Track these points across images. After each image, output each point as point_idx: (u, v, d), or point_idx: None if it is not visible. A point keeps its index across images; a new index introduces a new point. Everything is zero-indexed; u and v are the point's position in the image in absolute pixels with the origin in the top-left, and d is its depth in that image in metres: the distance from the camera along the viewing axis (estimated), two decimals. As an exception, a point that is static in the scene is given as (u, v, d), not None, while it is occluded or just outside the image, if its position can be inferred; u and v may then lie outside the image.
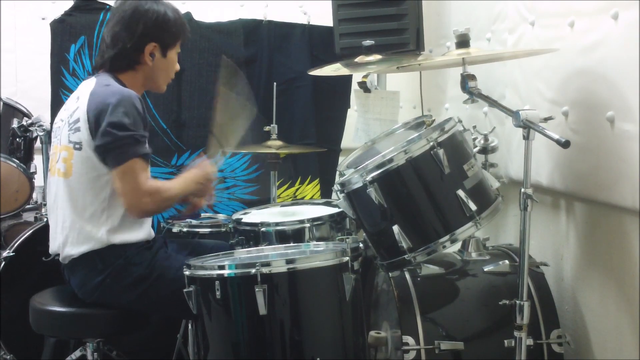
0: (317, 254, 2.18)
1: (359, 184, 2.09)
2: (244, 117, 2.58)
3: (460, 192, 2.03)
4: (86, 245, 2.20)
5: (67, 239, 2.22)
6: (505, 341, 2.05)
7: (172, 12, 2.34)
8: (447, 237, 2.05)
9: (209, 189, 2.39)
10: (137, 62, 2.31)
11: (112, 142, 2.13)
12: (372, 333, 2.35)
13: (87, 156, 2.18)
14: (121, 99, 2.16)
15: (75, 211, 2.20)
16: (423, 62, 2.58)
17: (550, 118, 2.03)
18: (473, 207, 2.02)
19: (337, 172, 2.57)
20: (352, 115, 3.38)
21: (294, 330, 2.02)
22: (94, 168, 2.18)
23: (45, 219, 2.88)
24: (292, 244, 2.37)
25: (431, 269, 2.29)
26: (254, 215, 2.65)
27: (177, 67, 2.43)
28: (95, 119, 2.15)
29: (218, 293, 2.00)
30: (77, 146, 2.19)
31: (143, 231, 2.28)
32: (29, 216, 3.18)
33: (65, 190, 2.22)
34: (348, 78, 3.36)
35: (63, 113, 2.32)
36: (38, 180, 3.14)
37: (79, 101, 2.24)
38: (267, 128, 2.96)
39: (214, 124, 2.61)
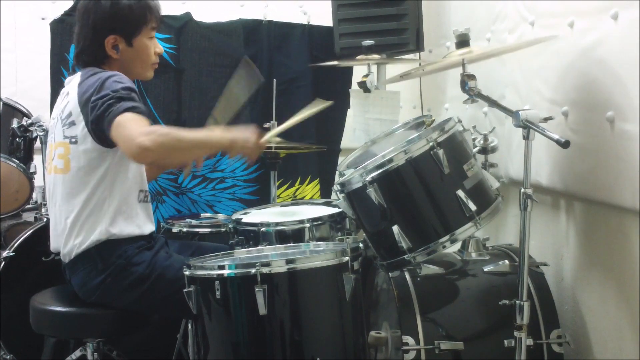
0: (317, 254, 2.18)
1: (359, 184, 2.09)
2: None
3: (460, 192, 2.03)
4: (89, 237, 2.19)
5: (71, 233, 2.22)
6: (505, 341, 2.05)
7: None
8: (447, 237, 2.05)
9: (250, 152, 2.20)
10: (103, 57, 2.26)
11: (96, 109, 2.06)
12: (372, 333, 2.35)
13: (84, 149, 2.17)
14: (107, 77, 2.12)
15: (77, 206, 2.20)
16: (426, 67, 2.56)
17: (550, 118, 2.03)
18: (473, 207, 2.02)
19: (337, 172, 2.57)
20: (352, 115, 3.37)
21: (294, 330, 2.02)
22: (92, 160, 2.17)
23: (45, 219, 2.88)
24: (292, 244, 2.37)
25: (431, 269, 2.29)
26: (254, 215, 2.65)
27: (159, 49, 2.34)
28: (85, 103, 2.13)
29: (218, 293, 1.99)
30: (72, 140, 2.18)
31: (141, 221, 2.27)
32: (29, 216, 3.18)
33: (65, 186, 2.22)
34: (348, 78, 3.36)
35: (55, 111, 2.32)
36: (38, 180, 3.14)
37: (68, 96, 2.23)
38: (267, 125, 2.96)
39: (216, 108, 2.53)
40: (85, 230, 2.20)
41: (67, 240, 2.23)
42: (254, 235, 2.45)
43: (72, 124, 2.19)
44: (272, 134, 2.45)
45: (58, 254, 2.31)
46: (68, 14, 3.16)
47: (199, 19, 3.28)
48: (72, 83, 2.26)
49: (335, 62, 2.59)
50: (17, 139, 3.10)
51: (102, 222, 2.19)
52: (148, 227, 2.31)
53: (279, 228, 2.43)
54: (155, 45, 2.34)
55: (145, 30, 2.28)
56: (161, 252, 2.30)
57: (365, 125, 3.16)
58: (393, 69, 3.07)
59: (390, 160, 2.04)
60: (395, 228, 2.06)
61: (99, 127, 2.09)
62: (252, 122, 3.19)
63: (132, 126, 2.00)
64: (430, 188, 2.06)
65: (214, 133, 2.19)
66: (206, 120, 3.26)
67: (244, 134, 2.18)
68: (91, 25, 2.24)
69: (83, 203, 2.19)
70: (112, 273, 2.20)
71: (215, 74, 3.29)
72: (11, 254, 2.77)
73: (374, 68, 2.88)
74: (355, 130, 3.17)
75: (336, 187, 2.21)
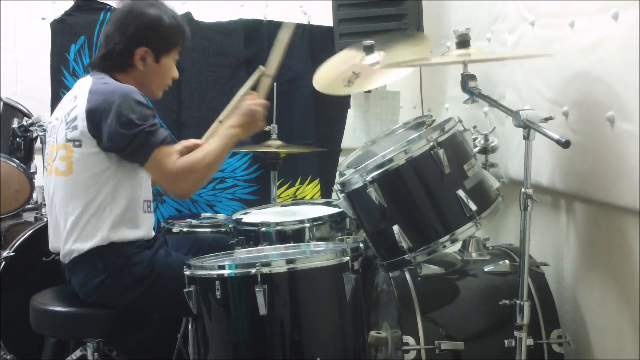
0: (317, 254, 2.18)
1: (359, 184, 2.09)
2: None
3: (461, 192, 2.03)
4: (89, 242, 2.19)
5: (70, 236, 2.22)
6: (506, 341, 2.05)
7: (169, 17, 2.30)
8: (447, 237, 2.05)
9: (258, 124, 2.37)
10: (127, 65, 2.29)
11: (128, 143, 2.13)
12: (372, 333, 2.35)
13: (88, 152, 2.18)
14: (122, 95, 2.15)
15: (78, 209, 2.20)
16: (426, 60, 2.57)
17: (550, 118, 2.03)
18: (473, 207, 2.02)
19: (337, 172, 2.57)
20: (353, 116, 3.37)
21: (294, 330, 2.02)
22: (95, 164, 2.18)
23: (45, 219, 2.88)
24: (292, 244, 2.37)
25: (431, 269, 2.29)
26: (254, 215, 2.65)
27: (175, 74, 2.40)
28: (99, 117, 2.14)
29: (218, 293, 2.00)
30: (76, 143, 2.19)
31: (143, 228, 2.27)
32: (29, 216, 3.18)
33: (66, 188, 2.22)
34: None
35: (59, 112, 2.32)
36: (38, 180, 3.14)
37: (76, 100, 2.23)
38: (267, 128, 2.96)
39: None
40: (85, 235, 2.20)
41: (66, 242, 2.23)
42: (254, 235, 2.45)
43: (76, 127, 2.19)
44: (266, 86, 2.52)
45: (58, 253, 2.31)
46: (68, 14, 3.16)
47: (199, 19, 3.28)
48: (82, 87, 2.25)
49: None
50: (18, 139, 3.10)
51: (103, 228, 2.19)
52: (149, 234, 2.32)
53: (279, 228, 2.43)
54: (174, 70, 2.39)
55: (174, 52, 2.36)
56: (160, 250, 2.30)
57: (365, 126, 3.16)
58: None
59: (391, 160, 2.04)
60: (395, 228, 2.06)
61: (132, 159, 2.18)
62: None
63: (165, 166, 2.16)
64: (431, 188, 2.06)
65: (226, 134, 2.29)
66: (205, 120, 3.27)
67: (246, 111, 2.32)
68: (129, 33, 2.26)
69: (84, 207, 2.19)
70: (111, 273, 2.20)
71: (215, 74, 3.29)
72: (11, 254, 2.77)
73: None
74: (356, 130, 3.17)
75: (336, 187, 2.22)
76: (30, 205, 3.21)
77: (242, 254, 2.31)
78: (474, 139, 2.45)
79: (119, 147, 2.15)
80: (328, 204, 2.76)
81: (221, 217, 3.11)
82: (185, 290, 2.05)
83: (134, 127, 2.12)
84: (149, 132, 2.14)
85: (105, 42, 2.30)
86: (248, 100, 2.39)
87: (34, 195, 3.16)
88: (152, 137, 2.15)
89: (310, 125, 3.38)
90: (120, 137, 2.12)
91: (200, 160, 2.20)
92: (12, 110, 3.18)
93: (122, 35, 2.27)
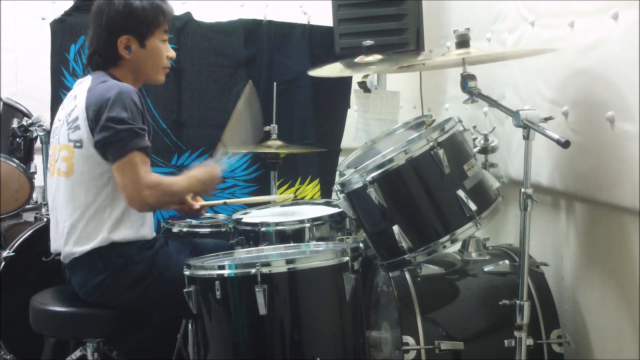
0: (317, 254, 2.18)
1: (359, 184, 2.09)
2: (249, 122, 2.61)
3: (460, 192, 2.03)
4: (89, 243, 2.19)
5: (70, 238, 2.22)
6: (505, 341, 2.05)
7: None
8: (447, 237, 2.05)
9: (212, 189, 2.39)
10: (116, 58, 2.29)
11: (111, 136, 2.12)
12: (373, 333, 2.35)
13: (88, 154, 2.18)
14: (119, 92, 2.15)
15: (77, 210, 2.20)
16: (426, 61, 2.57)
17: (550, 118, 2.03)
18: (473, 207, 2.02)
19: (337, 172, 2.57)
20: (352, 115, 3.38)
21: (294, 330, 2.02)
22: (96, 165, 2.18)
23: (45, 219, 2.88)
24: (292, 244, 2.37)
25: (431, 269, 2.29)
26: (254, 215, 2.65)
27: (171, 54, 2.38)
28: (95, 115, 2.15)
29: (218, 293, 2.00)
30: (77, 144, 2.19)
31: (144, 229, 2.28)
32: (29, 216, 3.18)
33: (67, 189, 2.22)
34: (348, 78, 3.36)
35: (61, 113, 2.32)
36: (38, 180, 3.14)
37: (76, 100, 2.24)
38: (267, 128, 2.96)
39: (224, 133, 2.64)
40: (85, 236, 2.20)
41: (66, 243, 2.24)
42: (254, 235, 2.45)
43: (77, 128, 2.19)
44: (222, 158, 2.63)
45: (58, 254, 2.31)
46: (68, 14, 3.16)
47: (199, 19, 3.28)
48: (82, 86, 2.26)
49: (336, 73, 2.60)
50: (17, 139, 3.10)
51: (104, 229, 2.19)
52: (150, 234, 2.32)
53: (279, 228, 2.43)
54: (167, 49, 2.37)
55: (158, 32, 2.31)
56: (161, 250, 2.30)
57: (365, 125, 3.16)
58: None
59: (391, 160, 2.04)
60: (395, 228, 2.06)
61: (103, 150, 2.15)
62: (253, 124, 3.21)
63: (139, 171, 2.12)
64: (431, 188, 2.06)
65: (192, 181, 2.30)
66: (205, 120, 3.28)
67: (212, 172, 2.36)
68: (104, 26, 2.26)
69: (84, 207, 2.20)
70: (112, 272, 2.20)
71: (215, 74, 3.29)
72: (11, 254, 2.77)
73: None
74: (358, 130, 3.17)
75: (336, 187, 2.22)
76: (30, 205, 3.21)
77: (242, 254, 2.31)
78: (474, 139, 2.45)
79: (103, 139, 2.13)
80: (328, 204, 2.75)
81: (221, 217, 3.11)
82: (185, 290, 2.05)
83: (123, 124, 2.12)
84: (136, 132, 2.14)
85: (90, 41, 2.31)
86: (214, 169, 2.39)
87: (34, 195, 3.16)
88: (137, 138, 2.14)
89: (310, 125, 3.38)
90: (107, 130, 2.12)
91: (169, 184, 2.22)
92: (12, 110, 3.18)
93: (100, 30, 2.27)
